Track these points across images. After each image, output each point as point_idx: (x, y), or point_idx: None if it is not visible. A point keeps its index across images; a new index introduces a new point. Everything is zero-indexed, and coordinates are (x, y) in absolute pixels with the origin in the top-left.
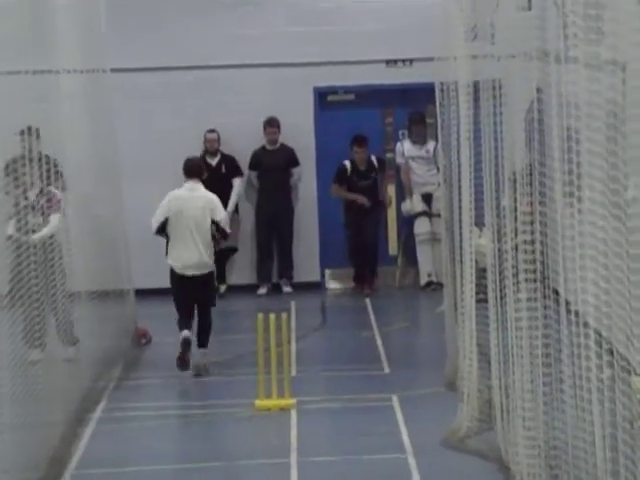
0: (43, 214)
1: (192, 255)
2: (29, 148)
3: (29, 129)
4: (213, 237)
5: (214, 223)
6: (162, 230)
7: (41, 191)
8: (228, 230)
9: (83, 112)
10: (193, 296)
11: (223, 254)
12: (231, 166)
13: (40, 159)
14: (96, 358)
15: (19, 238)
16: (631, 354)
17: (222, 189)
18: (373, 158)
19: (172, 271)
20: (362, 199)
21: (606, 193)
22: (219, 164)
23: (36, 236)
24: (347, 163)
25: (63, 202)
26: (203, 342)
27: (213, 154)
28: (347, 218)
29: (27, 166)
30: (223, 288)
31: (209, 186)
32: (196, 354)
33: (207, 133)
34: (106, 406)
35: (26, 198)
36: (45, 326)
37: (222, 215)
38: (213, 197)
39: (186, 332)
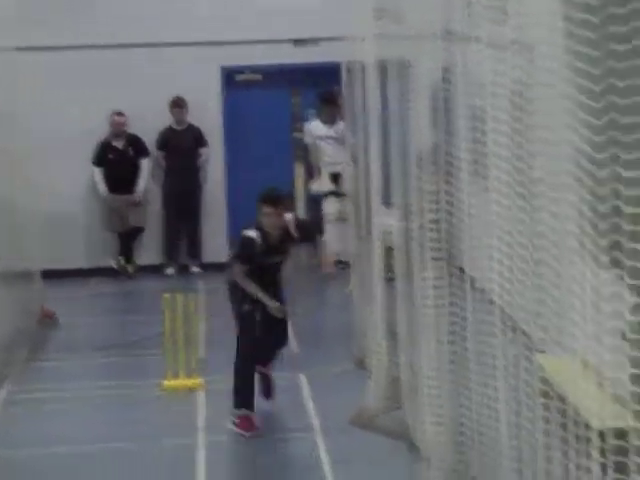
0: None
1: None
2: None
3: None
4: None
5: None
6: None
7: None
8: None
9: None
10: None
11: (130, 234)
12: (138, 147)
13: None
14: (1, 340)
15: None
16: (533, 332)
17: (129, 170)
18: (289, 221)
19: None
20: (275, 308)
21: (511, 172)
22: (125, 145)
23: None
24: (254, 234)
25: None
26: None
27: (120, 136)
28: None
29: None
30: (131, 269)
31: (116, 168)
32: None
33: (115, 116)
34: (11, 388)
35: None
36: None
37: None
38: None
39: None
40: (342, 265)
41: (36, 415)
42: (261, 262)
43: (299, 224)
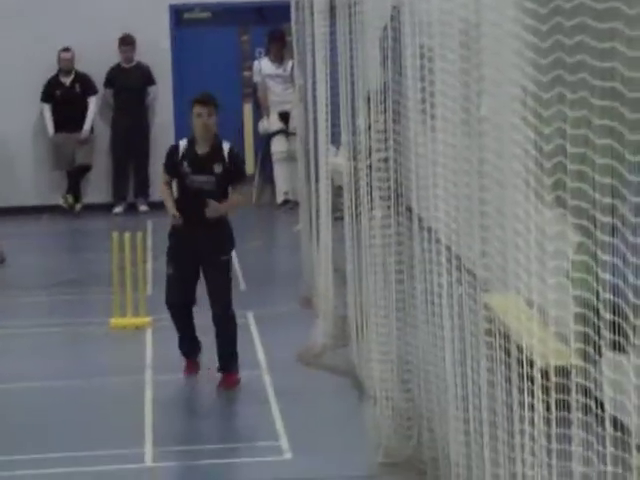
0: None
1: None
2: None
3: None
4: None
5: None
6: None
7: None
8: None
9: None
10: None
11: (77, 172)
12: (86, 85)
13: None
14: None
15: None
16: (478, 270)
17: (77, 108)
18: (225, 146)
19: None
20: (174, 215)
21: (458, 111)
22: (73, 83)
23: None
24: (182, 143)
25: None
26: None
27: (67, 73)
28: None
29: None
30: (78, 207)
31: (63, 105)
32: None
33: (61, 52)
34: None
35: None
36: None
37: None
38: None
39: None
40: (291, 204)
41: None
42: (184, 176)
43: (232, 153)
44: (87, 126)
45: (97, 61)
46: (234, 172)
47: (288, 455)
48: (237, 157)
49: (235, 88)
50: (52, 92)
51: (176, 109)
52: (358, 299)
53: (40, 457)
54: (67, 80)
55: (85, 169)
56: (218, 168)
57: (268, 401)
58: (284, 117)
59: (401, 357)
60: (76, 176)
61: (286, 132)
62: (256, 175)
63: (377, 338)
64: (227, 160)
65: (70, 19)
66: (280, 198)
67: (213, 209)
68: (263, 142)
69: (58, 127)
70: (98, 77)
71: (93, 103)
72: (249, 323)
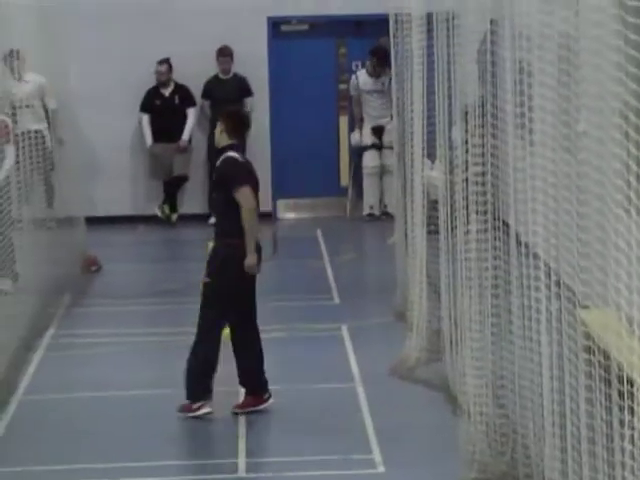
0: None
1: None
2: None
3: None
4: None
5: None
6: None
7: None
8: None
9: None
10: None
11: (175, 183)
12: (185, 96)
13: None
14: (44, 285)
15: None
16: (577, 286)
17: (176, 118)
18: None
19: None
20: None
21: (557, 126)
22: (172, 94)
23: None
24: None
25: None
26: None
27: (165, 84)
28: None
29: None
30: (174, 217)
31: (162, 116)
32: None
33: (157, 65)
34: (55, 333)
35: None
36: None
37: None
38: None
39: None
40: (374, 218)
41: (78, 360)
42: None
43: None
44: (185, 136)
45: (195, 73)
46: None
47: (381, 468)
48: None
49: (331, 100)
50: (151, 102)
51: (273, 121)
52: (452, 313)
53: (136, 465)
54: (166, 91)
55: (182, 179)
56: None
57: (361, 414)
58: (377, 131)
59: (495, 372)
60: (173, 187)
61: (379, 146)
62: (349, 188)
63: (471, 353)
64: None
65: (170, 29)
66: (366, 211)
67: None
68: (355, 155)
69: (156, 138)
70: (196, 88)
71: (192, 114)
72: (343, 336)
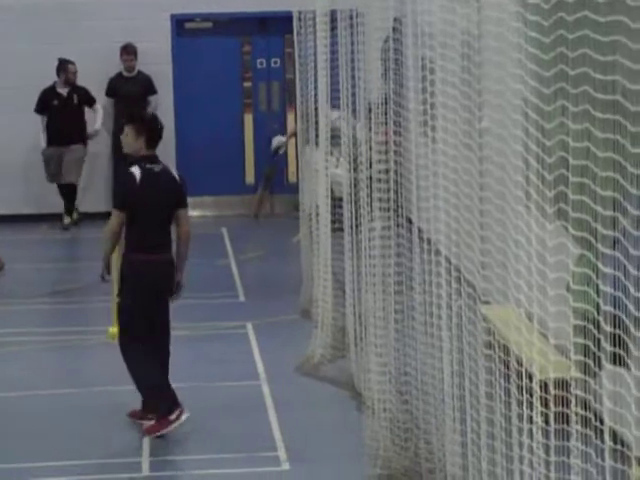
0: None
1: None
2: None
3: None
4: None
5: None
6: None
7: None
8: None
9: None
10: None
11: (70, 187)
12: (84, 96)
13: None
14: None
15: None
16: (478, 282)
17: (74, 120)
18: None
19: None
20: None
21: (459, 123)
22: (70, 93)
23: None
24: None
25: None
26: None
27: (67, 84)
28: None
29: None
30: (67, 220)
31: (60, 116)
32: None
33: (70, 65)
34: None
35: None
36: None
37: None
38: None
39: None
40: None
41: None
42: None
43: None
44: (97, 126)
45: (98, 70)
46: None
47: (286, 466)
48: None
49: (236, 98)
50: (48, 102)
51: (177, 118)
52: (357, 310)
53: (39, 465)
54: (64, 91)
55: (71, 187)
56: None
57: (266, 411)
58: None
59: (399, 368)
60: (69, 191)
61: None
62: (260, 186)
63: (375, 349)
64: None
65: (72, 27)
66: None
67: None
68: (270, 156)
69: (50, 140)
70: (99, 86)
71: (100, 107)
72: (248, 333)
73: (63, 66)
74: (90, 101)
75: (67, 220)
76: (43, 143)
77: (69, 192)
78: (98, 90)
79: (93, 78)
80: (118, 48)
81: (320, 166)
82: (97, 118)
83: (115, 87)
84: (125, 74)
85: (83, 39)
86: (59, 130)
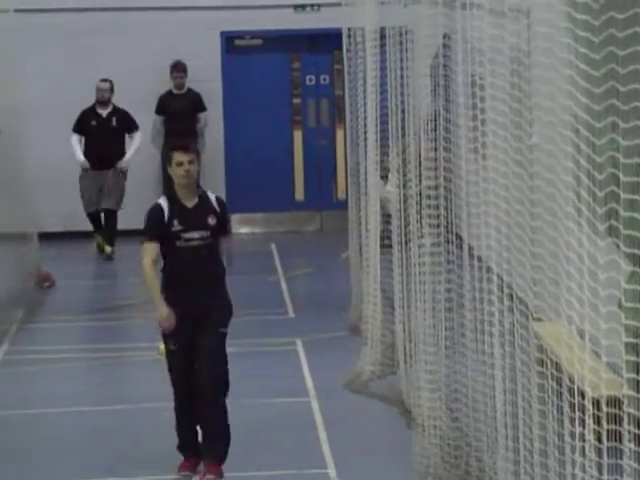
0: None
1: None
2: None
3: None
4: None
5: None
6: None
7: None
8: None
9: None
10: None
11: (104, 216)
12: (124, 119)
13: None
14: None
15: None
16: (530, 299)
17: (112, 142)
18: (211, 195)
19: None
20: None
21: (509, 139)
22: (110, 115)
23: None
24: (162, 201)
25: None
26: None
27: (104, 104)
28: None
29: None
30: (109, 250)
31: (98, 138)
32: None
33: (100, 82)
34: (8, 349)
35: None
36: None
37: None
38: None
39: None
40: None
41: (31, 376)
42: (175, 236)
43: (221, 202)
44: (127, 158)
45: (148, 87)
46: (224, 222)
47: None
48: (226, 205)
49: (285, 115)
50: (86, 123)
51: (226, 135)
52: (406, 327)
53: None
54: (104, 112)
55: (110, 213)
56: (212, 220)
57: (316, 428)
58: None
59: (449, 385)
60: (99, 220)
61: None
62: None
63: (425, 366)
64: (218, 210)
65: (122, 45)
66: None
67: None
68: None
69: (91, 163)
70: (148, 103)
71: (137, 137)
72: (298, 350)
73: (96, 84)
74: (130, 126)
75: (109, 249)
76: (81, 157)
77: (109, 219)
78: (148, 108)
79: (142, 96)
80: (168, 66)
81: (370, 182)
82: (130, 149)
83: (165, 104)
84: (175, 91)
85: (133, 57)
86: (97, 152)
